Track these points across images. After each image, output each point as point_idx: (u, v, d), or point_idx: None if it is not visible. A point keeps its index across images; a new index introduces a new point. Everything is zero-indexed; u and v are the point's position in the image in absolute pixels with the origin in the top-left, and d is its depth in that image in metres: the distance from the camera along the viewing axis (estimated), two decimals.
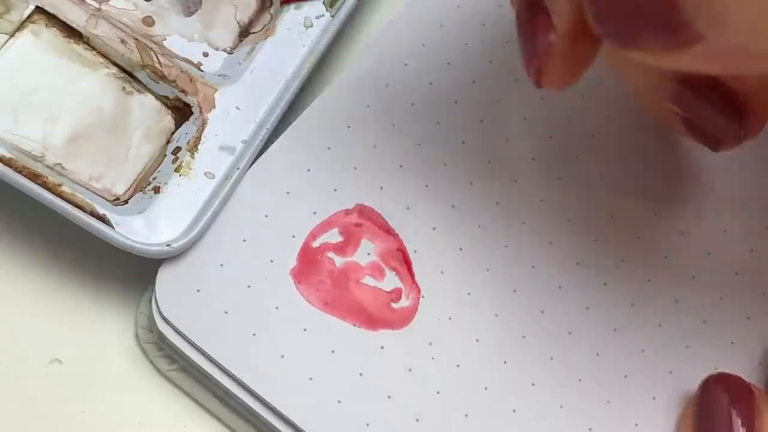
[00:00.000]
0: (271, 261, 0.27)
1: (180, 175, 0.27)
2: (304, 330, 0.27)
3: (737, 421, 0.26)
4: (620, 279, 0.29)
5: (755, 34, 0.16)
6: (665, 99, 0.23)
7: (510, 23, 0.22)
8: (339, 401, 0.26)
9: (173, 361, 0.27)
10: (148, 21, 0.29)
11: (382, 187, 0.28)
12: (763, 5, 0.15)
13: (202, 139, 0.28)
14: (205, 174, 0.27)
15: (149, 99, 0.28)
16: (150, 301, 0.27)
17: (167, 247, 0.26)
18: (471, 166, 0.26)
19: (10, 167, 0.25)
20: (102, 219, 0.26)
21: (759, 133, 0.23)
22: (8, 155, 0.25)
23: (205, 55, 0.30)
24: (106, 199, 0.27)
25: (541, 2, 0.21)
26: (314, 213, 0.28)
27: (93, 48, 0.28)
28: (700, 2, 0.16)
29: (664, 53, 0.17)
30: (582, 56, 0.22)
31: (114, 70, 0.28)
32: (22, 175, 0.25)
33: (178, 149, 0.28)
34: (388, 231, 0.28)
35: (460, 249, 0.28)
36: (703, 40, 0.16)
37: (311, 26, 0.30)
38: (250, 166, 0.28)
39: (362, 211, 0.28)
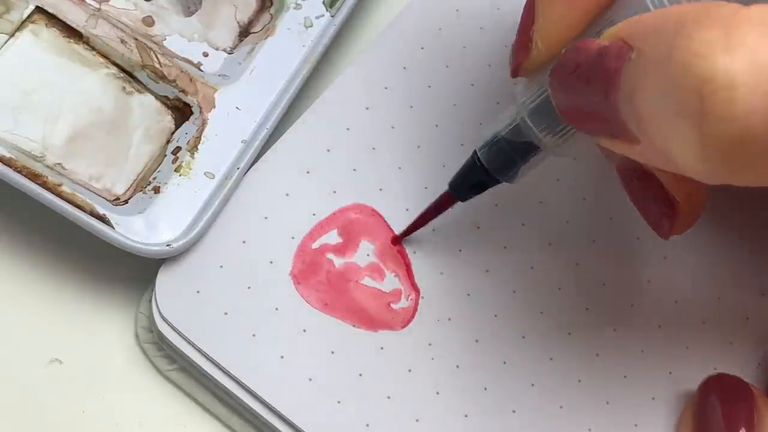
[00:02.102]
0: (271, 262, 0.27)
1: (180, 175, 0.27)
2: (304, 331, 0.27)
3: (737, 422, 0.26)
4: (620, 280, 0.29)
5: (668, 145, 0.17)
6: (618, 170, 0.25)
7: (507, 27, 0.23)
8: (339, 401, 0.26)
9: (173, 361, 0.27)
10: (148, 21, 0.29)
11: (381, 189, 0.28)
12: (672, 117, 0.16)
13: (202, 139, 0.28)
14: (205, 174, 0.27)
15: (149, 99, 0.28)
16: (150, 301, 0.27)
17: (167, 247, 0.26)
18: None
19: (10, 167, 0.25)
20: (102, 219, 0.26)
21: (684, 231, 0.24)
22: (8, 155, 0.25)
23: (205, 55, 0.30)
24: (106, 199, 0.27)
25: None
26: (313, 214, 0.28)
27: (93, 48, 0.28)
28: (630, 111, 0.17)
29: (614, 145, 0.19)
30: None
31: (114, 70, 0.28)
32: (22, 175, 0.25)
33: (178, 149, 0.28)
34: (388, 232, 0.28)
35: (460, 250, 0.28)
36: (639, 143, 0.18)
37: (311, 26, 0.30)
38: (250, 167, 0.28)
39: (362, 210, 0.28)
